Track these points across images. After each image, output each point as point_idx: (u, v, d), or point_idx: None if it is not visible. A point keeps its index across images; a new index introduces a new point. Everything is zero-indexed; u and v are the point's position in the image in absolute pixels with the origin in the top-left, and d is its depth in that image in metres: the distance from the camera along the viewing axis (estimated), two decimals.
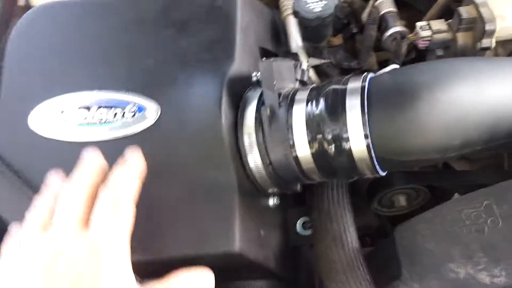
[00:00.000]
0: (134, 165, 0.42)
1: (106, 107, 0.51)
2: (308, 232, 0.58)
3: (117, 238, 0.38)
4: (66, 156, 0.50)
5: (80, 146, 0.48)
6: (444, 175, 0.71)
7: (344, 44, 0.76)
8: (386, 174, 0.66)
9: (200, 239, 0.47)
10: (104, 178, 0.42)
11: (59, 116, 0.52)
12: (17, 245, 0.41)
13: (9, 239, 0.43)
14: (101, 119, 0.51)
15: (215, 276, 0.47)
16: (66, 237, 0.38)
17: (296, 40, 0.71)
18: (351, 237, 0.53)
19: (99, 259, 0.36)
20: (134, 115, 0.50)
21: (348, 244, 0.53)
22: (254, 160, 0.50)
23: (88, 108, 0.51)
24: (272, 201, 0.55)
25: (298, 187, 0.57)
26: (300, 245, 0.60)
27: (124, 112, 0.50)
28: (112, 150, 0.48)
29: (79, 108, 0.52)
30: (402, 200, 0.69)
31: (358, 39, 0.75)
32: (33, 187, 0.49)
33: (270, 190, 0.54)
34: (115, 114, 0.50)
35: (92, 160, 0.43)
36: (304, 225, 0.59)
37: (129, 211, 0.39)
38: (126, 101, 0.51)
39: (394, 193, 0.69)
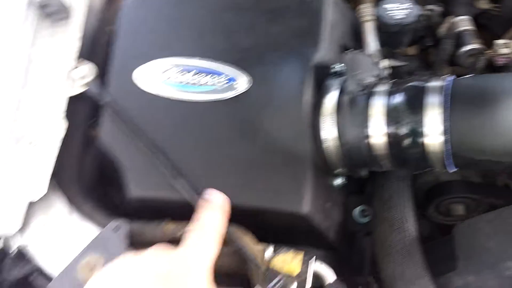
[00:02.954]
0: (218, 206, 0.47)
1: (203, 73, 0.57)
2: (365, 220, 0.61)
3: (204, 259, 0.42)
4: (160, 109, 0.57)
5: (175, 103, 0.56)
6: (504, 192, 0.71)
7: (418, 55, 0.79)
8: (447, 180, 0.68)
9: (273, 196, 0.52)
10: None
11: (160, 75, 0.59)
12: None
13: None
14: (196, 82, 0.57)
15: (277, 236, 0.51)
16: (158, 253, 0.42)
17: (373, 44, 0.74)
18: (410, 225, 0.56)
19: (188, 272, 0.40)
20: (227, 83, 0.56)
21: (406, 231, 0.55)
22: (330, 138, 0.54)
23: (188, 72, 0.58)
24: (337, 181, 0.58)
25: (364, 172, 0.60)
26: (356, 231, 0.62)
27: (219, 80, 0.56)
28: (203, 110, 0.56)
29: (179, 71, 0.58)
30: (460, 209, 0.69)
31: (433, 51, 0.78)
32: (134, 131, 0.56)
33: (337, 171, 0.58)
34: (210, 80, 0.57)
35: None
36: (362, 213, 0.62)
37: (216, 243, 0.44)
38: (221, 70, 0.57)
39: (453, 200, 0.70)
